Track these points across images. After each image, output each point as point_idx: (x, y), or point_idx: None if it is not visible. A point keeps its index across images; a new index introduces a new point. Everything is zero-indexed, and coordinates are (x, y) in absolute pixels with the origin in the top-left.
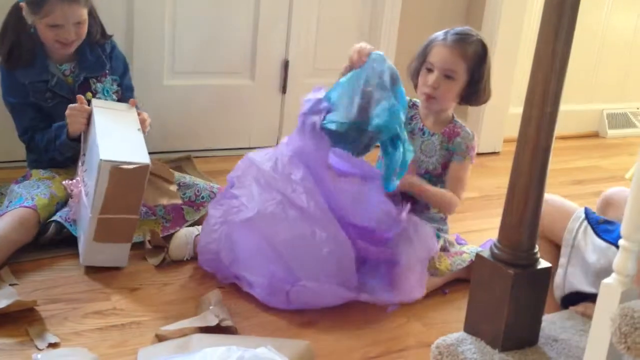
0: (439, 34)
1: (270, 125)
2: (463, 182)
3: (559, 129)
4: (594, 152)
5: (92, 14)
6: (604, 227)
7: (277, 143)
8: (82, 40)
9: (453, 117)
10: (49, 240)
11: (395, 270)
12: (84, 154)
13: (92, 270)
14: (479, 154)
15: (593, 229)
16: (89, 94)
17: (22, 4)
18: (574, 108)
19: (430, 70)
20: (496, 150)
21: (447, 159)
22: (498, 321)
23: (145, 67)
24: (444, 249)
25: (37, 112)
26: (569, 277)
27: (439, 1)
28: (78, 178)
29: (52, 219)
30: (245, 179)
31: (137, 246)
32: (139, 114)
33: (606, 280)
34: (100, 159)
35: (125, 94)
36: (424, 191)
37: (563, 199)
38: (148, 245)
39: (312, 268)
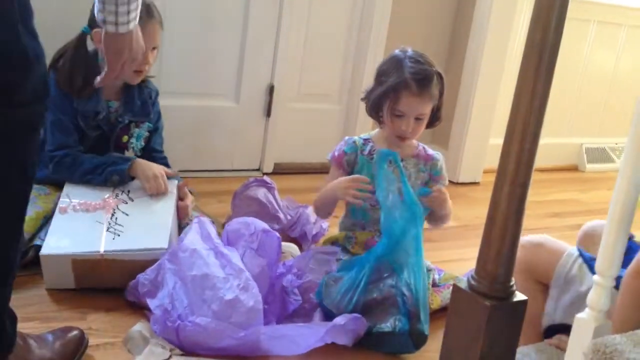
0: (398, 70)
1: (253, 148)
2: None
3: (539, 162)
4: (573, 186)
5: None
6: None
7: (259, 167)
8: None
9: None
10: (29, 261)
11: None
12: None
13: (70, 290)
14: (459, 184)
15: (588, 265)
16: (125, 137)
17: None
18: (554, 141)
19: (399, 117)
20: (476, 181)
21: (424, 180)
22: (473, 352)
23: None
24: (434, 284)
25: (78, 135)
26: (558, 309)
27: (424, 28)
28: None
29: (33, 242)
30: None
31: None
32: (182, 199)
33: (580, 315)
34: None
35: (153, 136)
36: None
37: (553, 239)
38: None
39: (210, 309)
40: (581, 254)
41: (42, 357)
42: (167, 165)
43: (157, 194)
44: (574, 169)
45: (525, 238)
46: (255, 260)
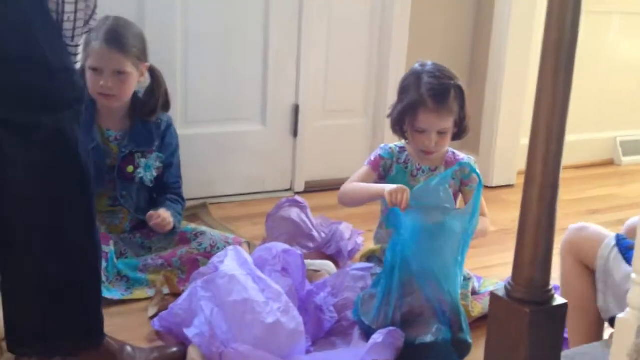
0: (416, 85)
1: (283, 169)
2: (484, 205)
3: (574, 158)
4: (610, 180)
5: (154, 89)
6: (633, 254)
7: (291, 187)
8: (123, 101)
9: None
10: None
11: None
12: None
13: None
14: (493, 188)
15: (622, 255)
16: (131, 168)
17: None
18: (587, 137)
19: (421, 132)
20: (510, 183)
21: (456, 188)
22: None
23: None
24: (474, 292)
25: None
26: (608, 301)
27: (445, 39)
28: None
29: None
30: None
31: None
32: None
33: (621, 315)
34: None
35: (167, 171)
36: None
37: (597, 226)
38: (165, 290)
39: (251, 334)
40: (618, 243)
41: None
42: (180, 196)
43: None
44: (610, 163)
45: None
46: (281, 281)
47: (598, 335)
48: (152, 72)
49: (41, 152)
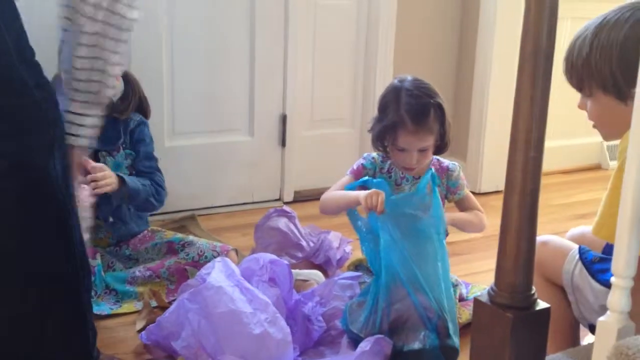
0: (395, 104)
1: (272, 179)
2: (475, 200)
3: (561, 164)
4: (597, 185)
5: (128, 93)
6: (598, 267)
7: (280, 197)
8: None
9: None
10: None
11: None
12: None
13: None
14: (481, 194)
15: (587, 270)
16: None
17: None
18: (574, 142)
19: (402, 150)
20: (499, 189)
21: (442, 193)
22: None
23: None
24: (461, 299)
25: None
26: (583, 313)
27: (431, 49)
28: None
29: None
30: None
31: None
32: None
33: (602, 319)
34: None
35: (138, 161)
36: (458, 219)
37: (561, 239)
38: (153, 303)
39: (239, 345)
40: (581, 257)
41: None
42: (156, 182)
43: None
44: (597, 167)
45: None
46: (268, 291)
47: (575, 342)
48: (126, 77)
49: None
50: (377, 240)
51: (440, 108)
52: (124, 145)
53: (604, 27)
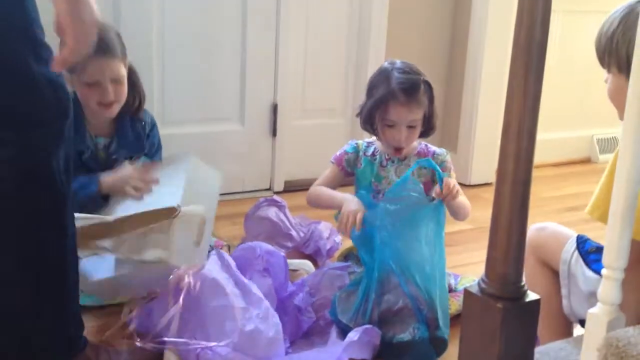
0: (386, 82)
1: (262, 168)
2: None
3: (551, 157)
4: (587, 178)
5: (133, 80)
6: (594, 257)
7: (270, 186)
8: (122, 103)
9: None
10: None
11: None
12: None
13: None
14: (472, 186)
15: (583, 259)
16: None
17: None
18: (565, 135)
19: (391, 127)
20: (489, 181)
21: (427, 177)
22: (490, 356)
23: None
24: (451, 290)
25: None
26: (573, 307)
27: (423, 38)
28: None
29: None
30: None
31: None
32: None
33: (592, 310)
34: None
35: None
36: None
37: (559, 226)
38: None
39: (229, 340)
40: (578, 246)
41: None
42: None
43: (141, 193)
44: (587, 161)
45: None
46: (261, 280)
47: (568, 332)
48: (129, 68)
49: (4, 170)
50: (369, 235)
51: (429, 85)
52: (145, 152)
53: (634, 9)
